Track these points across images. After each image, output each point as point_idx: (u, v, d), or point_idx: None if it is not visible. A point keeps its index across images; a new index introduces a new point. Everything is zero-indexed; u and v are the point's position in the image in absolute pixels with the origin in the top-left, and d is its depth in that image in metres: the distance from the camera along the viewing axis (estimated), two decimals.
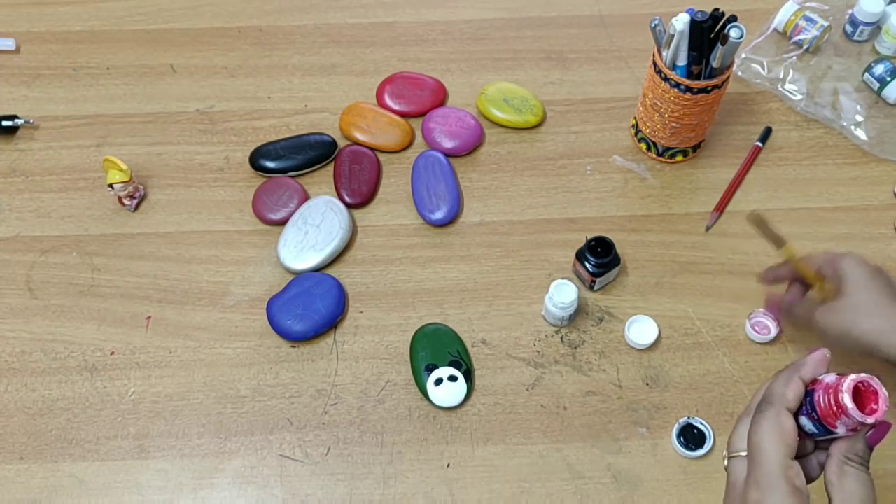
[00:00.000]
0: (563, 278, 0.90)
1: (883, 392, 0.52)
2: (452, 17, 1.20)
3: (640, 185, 1.03)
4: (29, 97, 1.11)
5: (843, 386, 0.52)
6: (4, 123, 1.06)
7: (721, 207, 1.01)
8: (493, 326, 0.93)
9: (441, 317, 0.93)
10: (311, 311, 0.91)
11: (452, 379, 0.87)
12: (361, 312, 0.94)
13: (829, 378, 0.55)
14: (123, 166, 0.97)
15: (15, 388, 0.89)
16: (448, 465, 0.84)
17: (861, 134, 1.06)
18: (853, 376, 0.52)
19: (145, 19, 1.19)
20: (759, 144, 1.06)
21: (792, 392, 0.56)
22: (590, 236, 0.92)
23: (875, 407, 0.52)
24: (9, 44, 1.15)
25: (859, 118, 1.07)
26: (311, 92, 1.12)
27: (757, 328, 0.91)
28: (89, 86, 1.12)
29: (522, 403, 0.88)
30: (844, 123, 1.07)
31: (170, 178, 1.04)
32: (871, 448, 0.55)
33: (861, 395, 0.53)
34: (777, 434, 0.55)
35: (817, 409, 0.54)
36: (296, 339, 0.91)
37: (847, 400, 0.52)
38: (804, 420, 0.56)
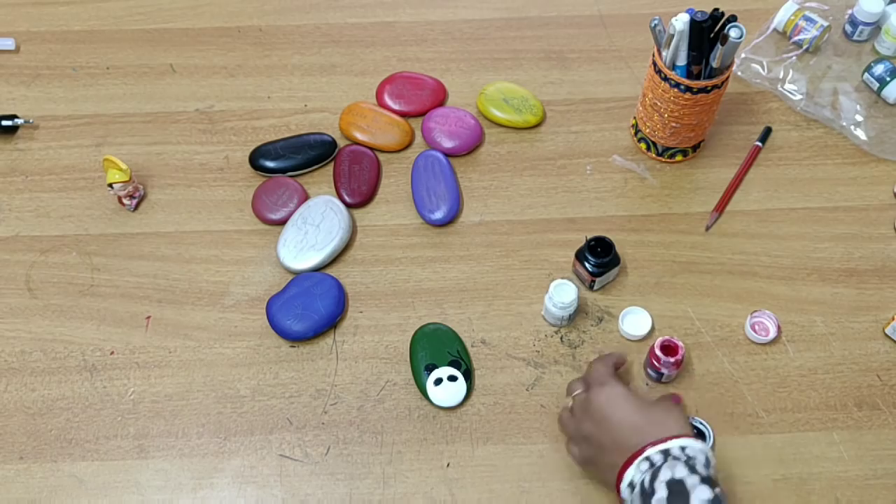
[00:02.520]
0: (562, 278, 0.90)
1: (680, 343, 0.86)
2: (452, 17, 1.20)
3: (640, 185, 1.03)
4: (29, 97, 1.11)
5: (655, 345, 0.86)
6: (4, 123, 1.06)
7: (721, 207, 1.01)
8: (493, 326, 0.93)
9: (441, 317, 0.93)
10: (311, 310, 0.91)
11: (452, 379, 0.87)
12: (361, 312, 0.94)
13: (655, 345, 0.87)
14: (123, 166, 0.97)
15: (15, 388, 0.89)
16: (448, 465, 0.84)
17: (861, 134, 1.06)
18: (660, 339, 0.87)
19: (145, 19, 1.19)
20: (759, 144, 1.06)
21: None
22: (590, 236, 0.92)
23: (678, 355, 0.86)
24: (9, 44, 1.15)
25: (859, 118, 1.07)
26: (311, 92, 1.12)
27: (756, 328, 0.91)
28: (89, 86, 1.12)
29: (522, 403, 0.88)
30: (844, 123, 1.07)
31: (170, 178, 1.04)
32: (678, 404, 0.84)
33: (669, 349, 0.86)
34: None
35: (651, 360, 0.87)
36: (295, 338, 0.91)
37: (658, 352, 0.86)
38: (649, 371, 0.89)
